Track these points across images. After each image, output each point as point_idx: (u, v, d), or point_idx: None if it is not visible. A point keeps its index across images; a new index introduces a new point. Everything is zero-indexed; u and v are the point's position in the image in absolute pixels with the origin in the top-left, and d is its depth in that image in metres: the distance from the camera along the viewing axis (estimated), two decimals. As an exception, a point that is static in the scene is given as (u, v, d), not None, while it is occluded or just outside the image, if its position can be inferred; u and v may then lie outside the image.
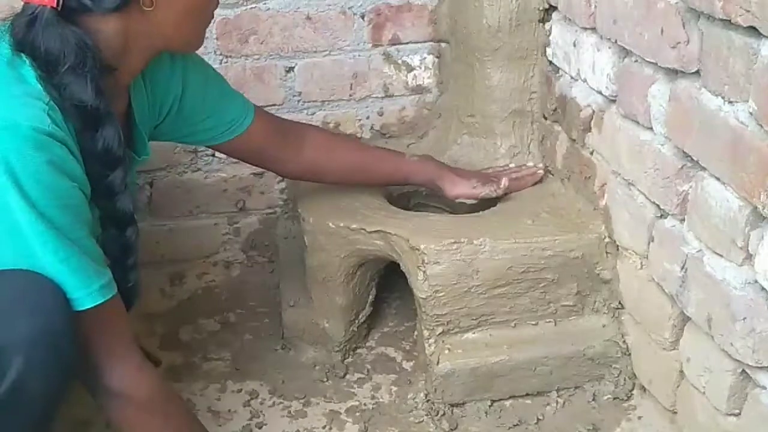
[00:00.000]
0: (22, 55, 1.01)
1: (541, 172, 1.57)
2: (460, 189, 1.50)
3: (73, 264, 0.97)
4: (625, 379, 1.39)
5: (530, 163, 1.61)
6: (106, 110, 1.04)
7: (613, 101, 1.33)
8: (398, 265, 1.44)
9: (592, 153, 1.44)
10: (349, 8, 1.70)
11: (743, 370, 1.07)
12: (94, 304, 0.99)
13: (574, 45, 1.44)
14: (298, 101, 1.76)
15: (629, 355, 1.39)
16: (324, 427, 1.37)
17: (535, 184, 1.56)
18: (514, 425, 1.36)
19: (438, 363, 1.37)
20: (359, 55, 1.75)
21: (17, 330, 0.93)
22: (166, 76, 1.25)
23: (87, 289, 0.98)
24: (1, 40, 1.04)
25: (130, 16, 1.06)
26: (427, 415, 1.39)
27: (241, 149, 1.39)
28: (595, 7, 1.34)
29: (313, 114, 1.77)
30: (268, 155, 1.42)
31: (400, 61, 1.77)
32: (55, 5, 1.01)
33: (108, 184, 1.06)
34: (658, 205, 1.23)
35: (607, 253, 1.39)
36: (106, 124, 1.04)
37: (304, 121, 1.77)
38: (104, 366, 1.05)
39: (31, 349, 0.93)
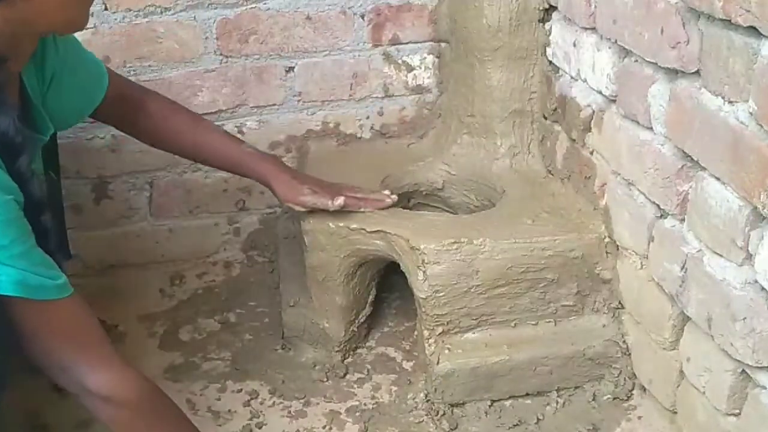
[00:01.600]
0: None
1: (390, 201, 1.48)
2: (290, 194, 1.43)
3: (31, 281, 0.96)
4: (625, 379, 1.39)
5: (386, 191, 1.51)
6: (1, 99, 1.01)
7: (613, 101, 1.33)
8: (398, 265, 1.44)
9: (592, 153, 1.44)
10: (349, 8, 1.70)
11: (743, 370, 1.07)
12: (54, 298, 0.98)
13: (574, 45, 1.44)
14: (298, 101, 1.76)
15: (629, 355, 1.39)
16: (324, 427, 1.37)
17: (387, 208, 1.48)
18: (514, 425, 1.36)
19: (438, 363, 1.37)
20: (359, 55, 1.75)
21: None
22: (48, 54, 1.22)
23: (48, 293, 0.98)
24: None
25: (13, 5, 1.01)
26: (427, 415, 1.39)
27: (105, 116, 1.37)
28: (595, 7, 1.34)
29: (313, 114, 1.77)
30: (116, 120, 1.42)
31: (400, 61, 1.77)
32: None
33: (15, 173, 1.01)
34: (658, 205, 1.23)
35: (607, 253, 1.39)
36: (0, 113, 1.01)
37: (304, 121, 1.77)
38: (81, 372, 1.04)
39: None
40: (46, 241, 1.07)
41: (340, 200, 1.41)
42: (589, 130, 1.42)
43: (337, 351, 1.53)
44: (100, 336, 1.08)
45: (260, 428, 1.37)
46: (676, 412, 1.27)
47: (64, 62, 1.25)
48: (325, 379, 1.49)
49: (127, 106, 1.40)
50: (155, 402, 1.11)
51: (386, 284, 1.63)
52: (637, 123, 1.25)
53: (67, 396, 1.38)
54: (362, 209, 1.45)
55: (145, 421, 1.10)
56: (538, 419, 1.37)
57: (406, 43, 1.76)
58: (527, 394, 1.41)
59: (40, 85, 1.22)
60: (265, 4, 1.66)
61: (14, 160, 1.02)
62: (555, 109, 1.56)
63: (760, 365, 1.03)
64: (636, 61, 1.23)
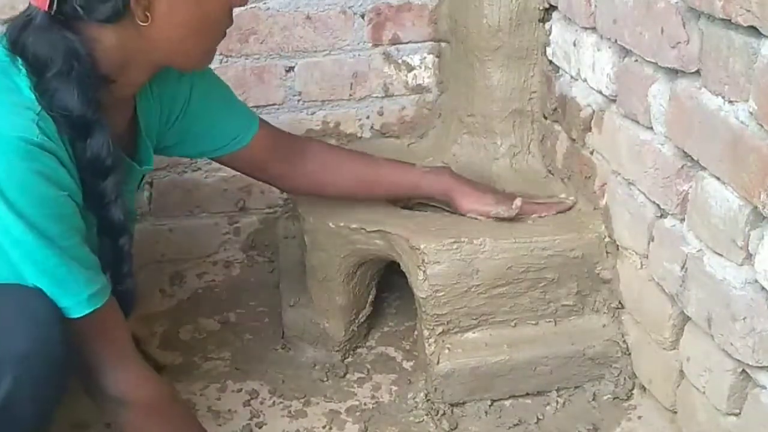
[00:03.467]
0: (18, 60, 1.00)
1: (570, 203, 1.48)
2: (474, 204, 1.43)
3: (61, 273, 0.97)
4: (625, 379, 1.39)
5: (562, 195, 1.52)
6: (94, 119, 1.02)
7: (613, 101, 1.33)
8: (398, 265, 1.44)
9: (592, 153, 1.44)
10: (349, 8, 1.70)
11: (743, 370, 1.07)
12: (84, 313, 0.99)
13: (574, 44, 1.44)
14: (298, 101, 1.76)
15: (629, 354, 1.39)
16: (324, 427, 1.37)
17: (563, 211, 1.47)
18: (514, 425, 1.36)
19: (438, 363, 1.37)
20: (359, 55, 1.75)
21: (7, 348, 0.92)
22: (173, 86, 1.23)
23: (76, 298, 0.98)
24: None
25: (125, 30, 1.02)
26: (427, 414, 1.39)
27: (244, 162, 1.37)
28: (595, 6, 1.34)
29: (313, 114, 1.78)
30: (270, 170, 1.39)
31: (400, 61, 1.77)
32: (47, 9, 0.99)
33: (99, 193, 1.05)
34: (658, 205, 1.23)
35: (607, 252, 1.39)
36: (94, 132, 1.02)
37: (304, 121, 1.77)
38: (102, 372, 1.05)
39: (20, 368, 0.93)
40: (119, 264, 1.10)
41: (517, 201, 1.40)
42: (589, 129, 1.42)
43: (337, 351, 1.53)
44: (127, 340, 1.08)
45: (260, 428, 1.37)
46: (676, 412, 1.27)
47: (195, 104, 1.25)
48: (325, 379, 1.49)
49: (285, 158, 1.38)
50: (167, 406, 1.12)
51: (386, 284, 1.63)
52: (637, 123, 1.25)
53: (67, 396, 1.38)
54: (542, 214, 1.44)
55: (156, 425, 1.11)
56: (538, 419, 1.37)
57: (406, 43, 1.76)
58: (527, 394, 1.41)
59: (157, 117, 1.23)
60: (264, 3, 1.66)
61: (101, 180, 1.04)
62: (555, 109, 1.56)
63: (760, 365, 1.03)
64: (636, 60, 1.23)
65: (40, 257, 0.95)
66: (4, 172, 0.92)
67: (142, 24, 1.02)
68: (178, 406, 1.17)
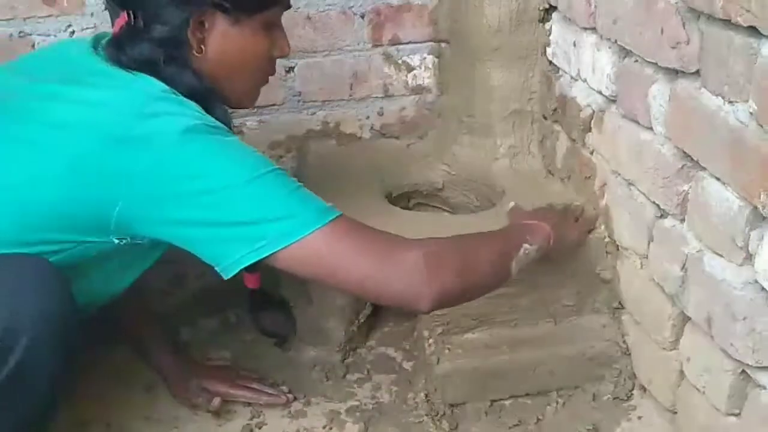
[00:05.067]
0: (138, 72, 1.09)
1: (285, 399, 1.42)
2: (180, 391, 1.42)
3: (300, 196, 1.07)
4: (625, 379, 1.39)
5: (284, 388, 1.44)
6: (210, 89, 1.14)
7: (613, 101, 1.33)
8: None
9: (592, 153, 1.44)
10: (349, 8, 1.70)
11: (743, 370, 1.07)
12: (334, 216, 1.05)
13: (574, 45, 1.45)
14: (298, 101, 1.76)
15: (629, 355, 1.39)
16: (324, 427, 1.37)
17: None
18: (514, 425, 1.36)
19: (438, 363, 1.37)
20: (359, 55, 1.75)
21: (22, 311, 0.98)
22: None
23: (320, 212, 1.05)
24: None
25: (188, 54, 1.14)
26: (427, 415, 1.39)
27: None
28: (595, 7, 1.34)
29: (313, 114, 1.78)
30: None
31: (400, 61, 1.77)
32: (127, 19, 1.13)
33: None
34: (658, 205, 1.23)
35: (607, 253, 1.39)
36: (215, 103, 1.15)
37: (304, 121, 1.77)
38: (389, 273, 1.06)
39: (35, 329, 0.98)
40: None
41: (216, 402, 1.37)
42: (589, 130, 1.42)
43: (337, 351, 1.53)
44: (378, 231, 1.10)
45: (260, 428, 1.37)
46: (676, 412, 1.27)
47: None
48: (325, 379, 1.49)
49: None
50: (443, 257, 1.10)
51: (386, 284, 1.63)
52: (637, 123, 1.25)
53: (66, 396, 1.38)
54: (255, 401, 1.41)
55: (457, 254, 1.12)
56: (538, 419, 1.37)
57: (406, 43, 1.76)
58: (527, 394, 1.40)
59: None
60: (265, 4, 1.66)
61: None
62: (555, 109, 1.56)
63: (760, 365, 1.03)
64: (636, 61, 1.23)
65: (279, 188, 1.05)
66: (204, 160, 1.02)
67: (197, 54, 1.14)
68: (450, 244, 1.15)
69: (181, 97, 1.08)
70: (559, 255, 1.30)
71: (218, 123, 1.08)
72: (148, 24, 1.11)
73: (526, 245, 1.18)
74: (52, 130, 1.04)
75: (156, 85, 1.08)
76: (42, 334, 0.99)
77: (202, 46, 1.14)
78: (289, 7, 1.26)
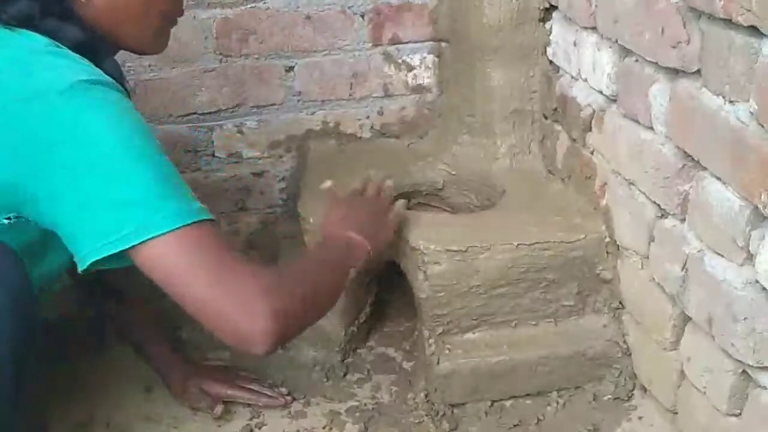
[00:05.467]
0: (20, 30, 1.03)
1: (284, 401, 1.41)
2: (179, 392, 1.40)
3: (172, 184, 0.99)
4: (625, 380, 1.39)
5: (284, 389, 1.43)
6: (99, 43, 1.06)
7: (614, 101, 1.33)
8: (398, 265, 1.44)
9: (592, 153, 1.44)
10: (348, 8, 1.70)
11: (744, 371, 1.07)
12: (194, 220, 0.97)
13: (575, 44, 1.44)
14: (298, 101, 1.76)
15: (630, 355, 1.38)
16: (324, 428, 1.37)
17: None
18: (514, 425, 1.36)
19: (438, 363, 1.37)
20: (359, 55, 1.75)
21: None
22: None
23: (187, 206, 0.98)
24: None
25: (76, 5, 1.06)
26: (427, 415, 1.38)
27: None
28: (596, 6, 1.34)
29: (313, 114, 1.77)
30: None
31: (400, 61, 1.77)
32: None
33: None
34: (658, 205, 1.22)
35: (607, 253, 1.39)
36: (103, 55, 1.07)
37: (304, 121, 1.77)
38: (225, 308, 0.97)
39: None
40: None
41: (218, 409, 1.36)
42: (590, 129, 1.42)
43: (337, 351, 1.53)
44: (231, 251, 1.00)
45: (260, 428, 1.37)
46: (676, 413, 1.27)
47: None
48: (325, 380, 1.49)
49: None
50: (288, 277, 1.06)
51: (386, 284, 1.63)
52: (638, 123, 1.25)
53: (67, 396, 1.38)
54: (254, 402, 1.40)
55: (297, 291, 1.04)
56: (539, 419, 1.37)
57: (406, 43, 1.76)
58: (527, 395, 1.40)
59: None
60: (264, 3, 1.66)
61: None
62: (555, 109, 1.56)
63: (760, 365, 1.03)
64: (636, 60, 1.23)
65: (155, 170, 0.97)
66: (101, 106, 0.95)
67: (82, 1, 1.06)
68: (295, 267, 1.13)
69: (66, 50, 1.01)
70: (373, 262, 1.29)
71: (107, 78, 1.00)
72: None
73: (352, 270, 1.20)
74: None
75: (38, 40, 1.01)
76: (2, 324, 0.96)
77: None
78: None
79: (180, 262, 0.95)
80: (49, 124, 0.93)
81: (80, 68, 0.99)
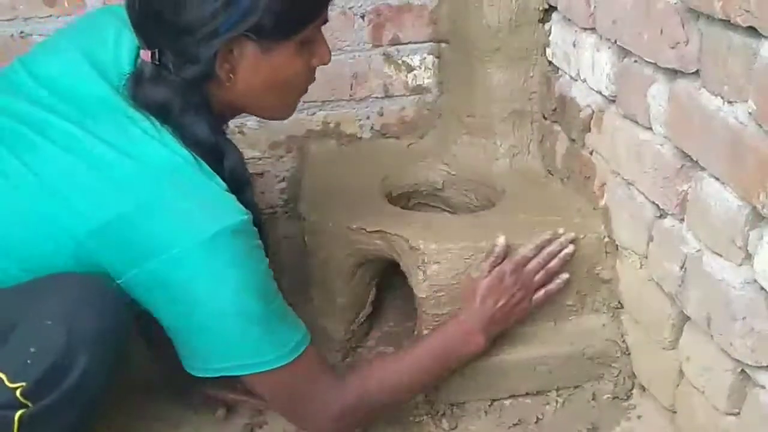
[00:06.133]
0: (164, 127, 1.07)
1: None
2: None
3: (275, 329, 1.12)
4: (624, 379, 1.39)
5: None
6: (222, 140, 1.12)
7: (613, 101, 1.33)
8: (398, 265, 1.44)
9: (591, 153, 1.44)
10: (349, 8, 1.71)
11: (742, 370, 1.07)
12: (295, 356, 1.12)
13: (574, 45, 1.45)
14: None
15: (629, 354, 1.39)
16: (324, 427, 1.37)
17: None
18: (514, 424, 1.36)
19: (438, 362, 1.37)
20: (359, 55, 1.75)
21: (83, 330, 0.99)
22: None
23: (286, 347, 1.12)
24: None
25: (216, 85, 1.09)
26: (427, 414, 1.39)
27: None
28: (595, 7, 1.34)
29: (314, 114, 1.78)
30: None
31: (400, 61, 1.77)
32: (150, 59, 1.07)
33: (245, 204, 1.10)
34: (657, 205, 1.23)
35: (606, 252, 1.39)
36: (227, 152, 1.12)
37: (304, 121, 1.77)
38: (311, 409, 1.18)
39: (95, 348, 1.00)
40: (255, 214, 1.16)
41: (221, 413, 1.39)
42: (589, 130, 1.43)
43: (337, 351, 1.53)
44: (324, 376, 1.19)
45: (261, 428, 1.37)
46: (675, 412, 1.27)
47: None
48: (326, 379, 1.49)
49: None
50: (368, 395, 1.21)
51: (386, 284, 1.63)
52: (637, 123, 1.26)
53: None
54: (256, 406, 1.41)
55: (373, 410, 1.25)
56: (538, 419, 1.37)
57: (406, 44, 1.76)
58: (527, 394, 1.41)
59: None
60: (265, 4, 1.66)
61: (243, 191, 1.13)
62: (555, 110, 1.56)
63: (759, 365, 1.03)
64: (635, 61, 1.24)
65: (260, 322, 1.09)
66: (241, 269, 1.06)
67: (226, 84, 1.09)
68: (374, 377, 1.23)
69: (206, 179, 1.06)
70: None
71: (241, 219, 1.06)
72: (174, 63, 1.07)
73: (450, 366, 1.30)
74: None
75: (178, 162, 1.05)
76: (99, 354, 1.00)
77: (231, 75, 1.08)
78: (326, 21, 1.15)
79: (274, 394, 1.18)
80: (185, 268, 1.04)
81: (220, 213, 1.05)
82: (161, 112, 1.07)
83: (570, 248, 1.33)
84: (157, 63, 1.07)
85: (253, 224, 1.09)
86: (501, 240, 1.31)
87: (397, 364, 1.27)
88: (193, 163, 1.06)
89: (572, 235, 1.33)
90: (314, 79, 1.20)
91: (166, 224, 1.02)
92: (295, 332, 1.14)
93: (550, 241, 1.33)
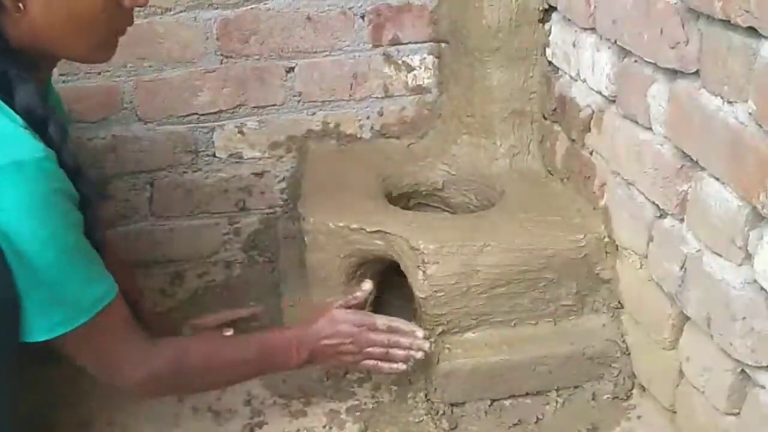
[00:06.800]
0: None
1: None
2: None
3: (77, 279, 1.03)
4: (624, 379, 1.39)
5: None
6: (12, 74, 1.01)
7: (613, 101, 1.33)
8: (398, 265, 1.44)
9: (591, 153, 1.44)
10: (349, 8, 1.71)
11: (742, 370, 1.07)
12: (98, 309, 1.05)
13: (574, 45, 1.45)
14: (299, 101, 1.76)
15: (629, 354, 1.39)
16: (324, 427, 1.38)
17: None
18: (514, 425, 1.36)
19: (438, 362, 1.37)
20: (359, 56, 1.75)
21: None
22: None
23: (92, 295, 1.05)
24: None
25: (9, 17, 1.01)
26: (426, 414, 1.39)
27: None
28: (595, 7, 1.34)
29: (314, 114, 1.78)
30: None
31: (400, 62, 1.78)
32: None
33: (47, 141, 1.02)
34: (657, 205, 1.23)
35: (606, 252, 1.39)
36: (17, 86, 1.01)
37: (304, 121, 1.78)
38: (117, 367, 1.13)
39: None
40: (88, 207, 1.09)
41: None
42: (589, 130, 1.43)
43: (337, 351, 1.53)
44: (129, 326, 1.13)
45: (261, 428, 1.38)
46: (675, 412, 1.27)
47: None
48: (325, 379, 1.49)
49: None
50: (184, 364, 1.17)
51: (386, 284, 1.63)
52: (637, 123, 1.26)
53: (68, 395, 1.39)
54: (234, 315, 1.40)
55: (186, 381, 1.21)
56: (538, 419, 1.37)
57: (406, 44, 1.76)
58: (527, 394, 1.41)
59: None
60: (265, 4, 1.66)
61: (43, 130, 1.03)
62: (555, 110, 1.56)
63: (759, 365, 1.03)
64: (635, 61, 1.24)
65: (58, 272, 1.00)
66: (31, 202, 0.96)
67: (16, 14, 1.00)
68: (194, 350, 1.20)
69: None
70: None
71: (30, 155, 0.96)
72: None
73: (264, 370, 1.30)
74: None
75: None
76: None
77: (20, 6, 0.99)
78: None
79: (76, 353, 1.10)
80: None
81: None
82: None
83: (419, 354, 1.30)
84: None
85: (61, 165, 1.01)
86: (367, 285, 1.35)
87: (224, 347, 1.24)
88: None
89: (427, 345, 1.30)
90: (131, 20, 1.11)
91: None
92: (95, 286, 1.06)
93: (404, 332, 1.31)
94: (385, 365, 1.31)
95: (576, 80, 1.46)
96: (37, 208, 0.96)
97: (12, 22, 1.01)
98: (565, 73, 1.51)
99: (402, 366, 1.31)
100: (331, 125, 1.80)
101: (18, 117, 0.99)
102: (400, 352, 1.30)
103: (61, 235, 0.99)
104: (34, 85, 1.04)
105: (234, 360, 1.23)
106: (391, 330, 1.30)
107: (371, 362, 1.31)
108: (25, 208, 0.95)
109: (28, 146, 0.96)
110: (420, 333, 1.30)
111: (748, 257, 1.02)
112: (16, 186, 0.94)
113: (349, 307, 1.33)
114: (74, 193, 1.02)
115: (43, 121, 1.03)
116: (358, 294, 1.35)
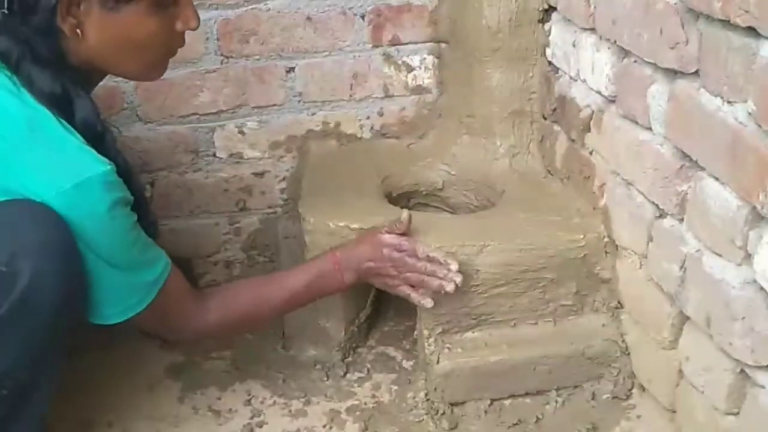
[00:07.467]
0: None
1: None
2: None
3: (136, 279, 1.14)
4: (624, 379, 1.39)
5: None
6: (72, 92, 1.09)
7: (613, 101, 1.33)
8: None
9: (591, 153, 1.44)
10: (349, 9, 1.71)
11: (742, 370, 1.07)
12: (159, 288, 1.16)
13: (574, 45, 1.45)
14: (299, 101, 1.76)
15: (628, 354, 1.39)
16: (324, 426, 1.38)
17: None
18: (514, 424, 1.36)
19: (438, 362, 1.37)
20: (359, 56, 1.75)
21: (25, 237, 1.00)
22: None
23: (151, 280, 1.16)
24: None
25: (66, 38, 1.08)
26: (426, 414, 1.39)
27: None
28: (595, 7, 1.34)
29: (314, 114, 1.78)
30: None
31: (400, 62, 1.78)
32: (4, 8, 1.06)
33: (104, 152, 1.09)
34: (657, 205, 1.23)
35: (606, 252, 1.39)
36: (75, 102, 1.09)
37: (304, 121, 1.78)
38: (177, 326, 1.25)
39: (39, 254, 1.00)
40: (144, 208, 1.18)
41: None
42: (589, 130, 1.43)
43: (337, 350, 1.53)
44: (184, 294, 1.24)
45: (261, 427, 1.38)
46: (675, 412, 1.27)
47: None
48: (326, 379, 1.49)
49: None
50: (229, 312, 1.28)
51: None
52: (636, 123, 1.26)
53: (69, 395, 1.39)
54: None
55: (232, 326, 1.33)
56: (538, 418, 1.37)
57: (406, 44, 1.76)
58: (527, 394, 1.41)
59: None
60: (265, 4, 1.67)
61: (99, 143, 1.10)
62: (554, 110, 1.56)
63: (758, 365, 1.03)
64: (635, 61, 1.24)
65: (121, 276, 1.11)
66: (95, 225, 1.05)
67: (76, 39, 1.08)
68: (238, 296, 1.30)
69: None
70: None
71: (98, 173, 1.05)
72: (19, 13, 1.06)
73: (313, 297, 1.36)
74: None
75: (32, 116, 1.04)
76: (45, 259, 1.00)
77: (78, 30, 1.08)
78: None
79: (146, 322, 1.20)
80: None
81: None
82: (2, 60, 1.07)
83: (450, 286, 1.30)
84: (5, 11, 1.06)
85: (119, 174, 1.09)
86: (405, 215, 1.35)
87: (271, 285, 1.33)
88: (49, 117, 1.05)
89: (459, 278, 1.30)
90: (182, 43, 1.20)
91: (25, 178, 1.02)
92: (155, 267, 1.17)
93: (440, 263, 1.31)
94: (416, 296, 1.34)
95: (576, 80, 1.46)
96: (109, 219, 1.05)
97: (71, 46, 1.09)
98: (565, 73, 1.51)
99: (430, 302, 1.33)
100: (331, 125, 1.80)
101: (77, 133, 1.07)
102: (435, 282, 1.31)
103: (127, 237, 1.10)
104: (90, 100, 1.12)
105: (283, 296, 1.32)
106: (428, 259, 1.32)
107: (407, 289, 1.34)
108: (98, 219, 1.04)
109: (94, 163, 1.05)
110: (454, 267, 1.30)
111: (748, 257, 1.02)
112: (89, 201, 1.03)
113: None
114: (130, 197, 1.11)
115: (101, 135, 1.11)
116: (400, 224, 1.34)
